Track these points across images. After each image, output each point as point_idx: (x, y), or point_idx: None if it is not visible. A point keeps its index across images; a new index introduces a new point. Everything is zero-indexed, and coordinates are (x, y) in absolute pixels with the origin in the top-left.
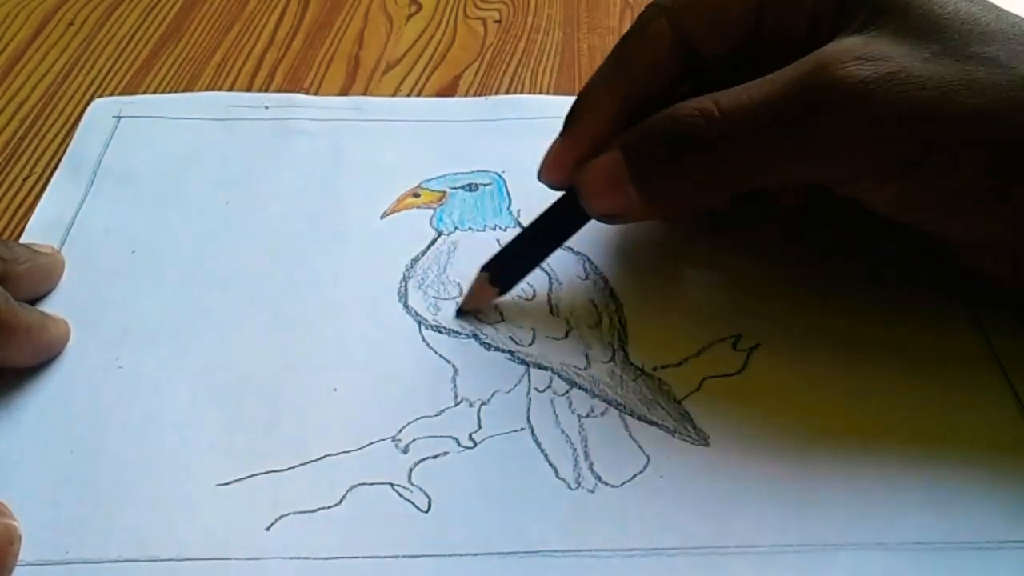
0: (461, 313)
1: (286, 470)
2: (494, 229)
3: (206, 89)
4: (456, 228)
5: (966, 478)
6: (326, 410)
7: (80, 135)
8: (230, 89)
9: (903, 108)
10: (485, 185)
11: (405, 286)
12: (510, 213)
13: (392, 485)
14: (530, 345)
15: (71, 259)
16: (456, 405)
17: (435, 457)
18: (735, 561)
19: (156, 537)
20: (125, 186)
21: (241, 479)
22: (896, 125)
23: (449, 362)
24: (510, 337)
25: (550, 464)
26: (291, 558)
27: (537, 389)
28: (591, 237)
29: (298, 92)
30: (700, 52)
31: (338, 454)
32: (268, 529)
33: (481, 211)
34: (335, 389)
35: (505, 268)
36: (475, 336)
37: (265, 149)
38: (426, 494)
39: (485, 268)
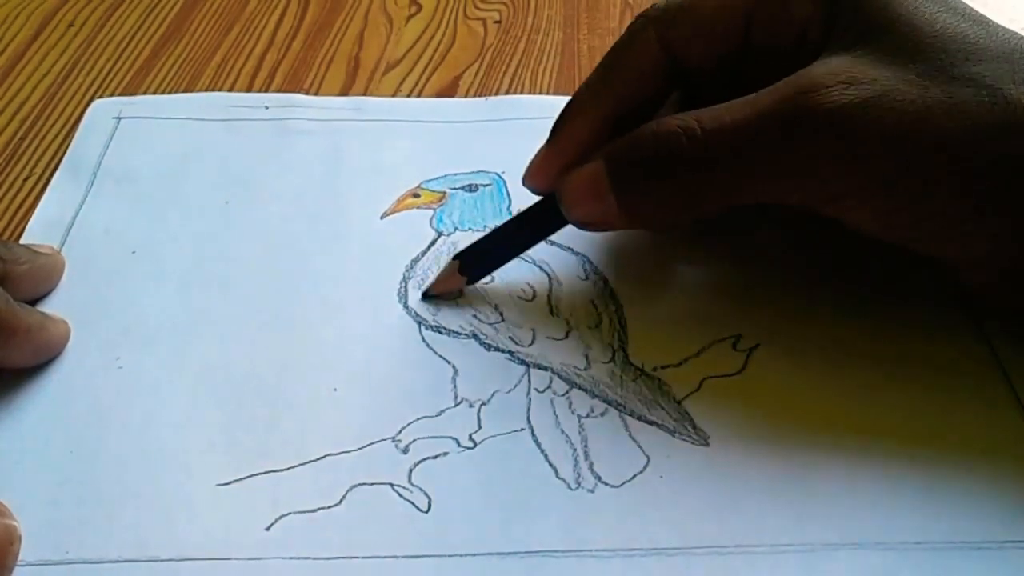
0: (426, 296)
1: (286, 470)
2: None
3: (206, 89)
4: (456, 228)
5: (966, 478)
6: (326, 410)
7: (80, 135)
8: (230, 89)
9: (883, 132)
10: (485, 186)
11: (405, 286)
12: (510, 213)
13: (392, 485)
14: (530, 345)
15: (71, 259)
16: (456, 405)
17: (435, 457)
18: (735, 561)
19: (156, 537)
20: (125, 186)
21: (241, 479)
22: (874, 149)
23: (449, 362)
24: (510, 337)
25: (550, 464)
26: (291, 558)
27: (537, 389)
28: (591, 237)
29: (298, 92)
30: (688, 63)
31: (338, 454)
32: (268, 529)
33: (481, 212)
34: (335, 389)
35: (477, 259)
36: (475, 336)
37: (265, 149)
38: (426, 494)
39: (457, 256)
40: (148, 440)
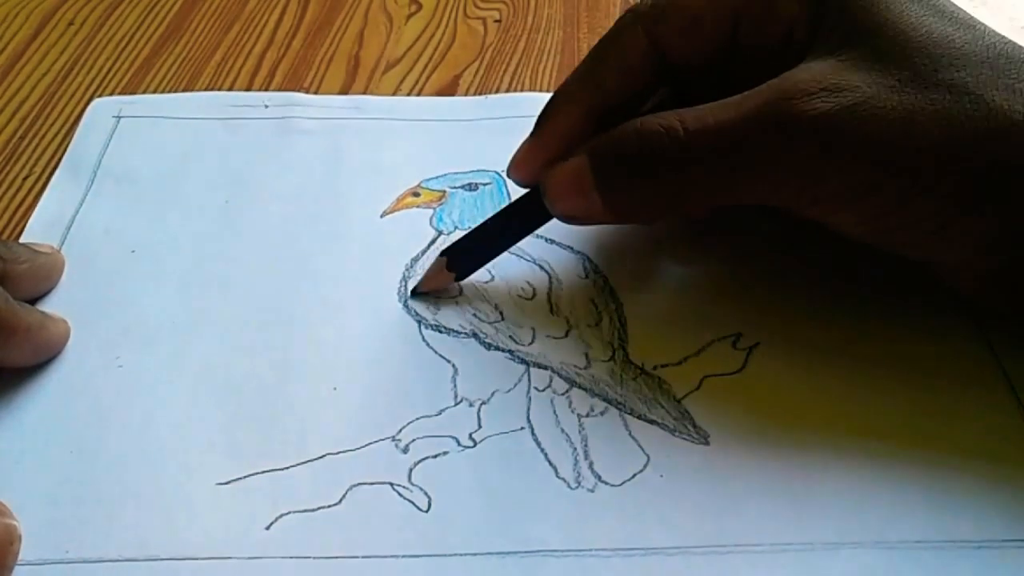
0: (415, 294)
1: (286, 469)
2: None
3: (206, 89)
4: (456, 227)
5: (966, 477)
6: (326, 410)
7: (80, 135)
8: (230, 89)
9: (866, 138)
10: (485, 184)
11: (405, 285)
12: None
13: (392, 485)
14: (530, 344)
15: (71, 259)
16: (456, 404)
17: (435, 457)
18: (735, 560)
19: (156, 536)
20: (125, 186)
21: (241, 478)
22: (855, 155)
23: (449, 362)
24: (510, 336)
25: (550, 464)
26: (291, 557)
27: (537, 388)
28: (591, 237)
29: (298, 91)
30: (675, 59)
31: (338, 454)
32: (268, 528)
33: (481, 210)
34: (335, 389)
35: (464, 255)
36: (475, 336)
37: (265, 148)
38: (426, 494)
39: (444, 253)
40: (148, 440)
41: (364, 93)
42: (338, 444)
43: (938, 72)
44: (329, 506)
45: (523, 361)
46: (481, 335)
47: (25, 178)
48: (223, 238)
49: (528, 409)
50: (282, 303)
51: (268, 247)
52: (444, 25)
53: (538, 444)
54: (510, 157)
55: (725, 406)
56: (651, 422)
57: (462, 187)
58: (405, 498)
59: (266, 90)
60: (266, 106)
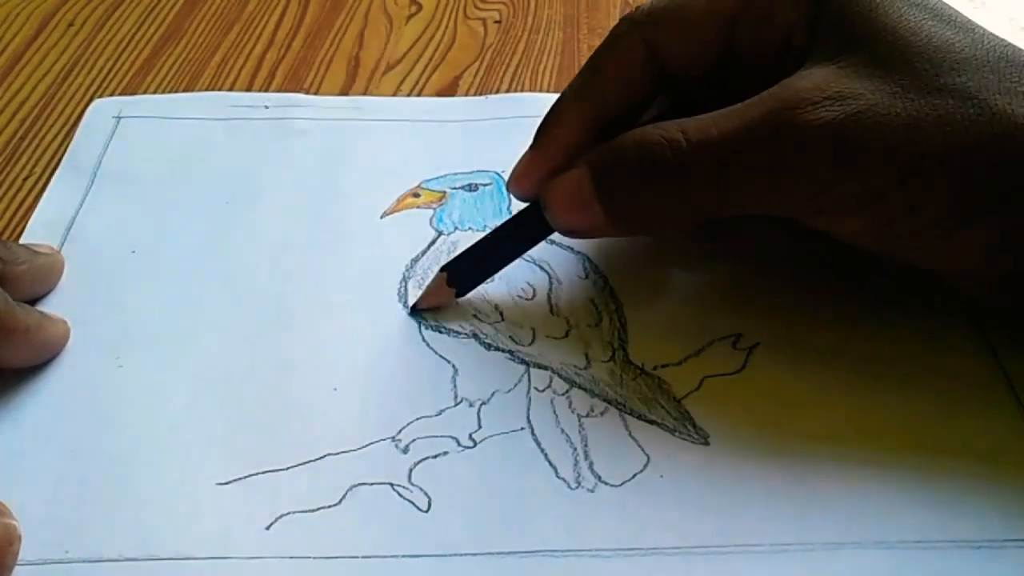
0: (415, 310)
1: (286, 469)
2: None
3: (206, 89)
4: (456, 228)
5: (966, 477)
6: (326, 410)
7: (80, 135)
8: (230, 89)
9: (870, 146)
10: (485, 185)
11: (405, 286)
12: (510, 213)
13: (392, 485)
14: (530, 345)
15: (71, 259)
16: (456, 405)
17: (435, 457)
18: (735, 560)
19: (156, 536)
20: (125, 186)
21: (241, 478)
22: (860, 163)
23: (449, 362)
24: (510, 337)
25: (550, 464)
26: (291, 557)
27: (537, 389)
28: None
29: (298, 92)
30: (672, 67)
31: (338, 454)
32: (268, 528)
33: (481, 211)
34: (335, 389)
35: (464, 271)
36: (475, 336)
37: (265, 149)
38: (426, 494)
39: (444, 268)
40: (148, 440)
41: (364, 94)
42: (338, 444)
43: (939, 77)
44: (329, 506)
45: (523, 361)
46: (481, 335)
47: (25, 179)
48: (223, 238)
49: (528, 409)
50: (282, 304)
51: (268, 247)
52: (444, 26)
53: (538, 444)
54: (510, 170)
55: (725, 406)
56: (651, 422)
57: (462, 188)
58: (405, 498)
59: (266, 91)
60: (266, 107)
